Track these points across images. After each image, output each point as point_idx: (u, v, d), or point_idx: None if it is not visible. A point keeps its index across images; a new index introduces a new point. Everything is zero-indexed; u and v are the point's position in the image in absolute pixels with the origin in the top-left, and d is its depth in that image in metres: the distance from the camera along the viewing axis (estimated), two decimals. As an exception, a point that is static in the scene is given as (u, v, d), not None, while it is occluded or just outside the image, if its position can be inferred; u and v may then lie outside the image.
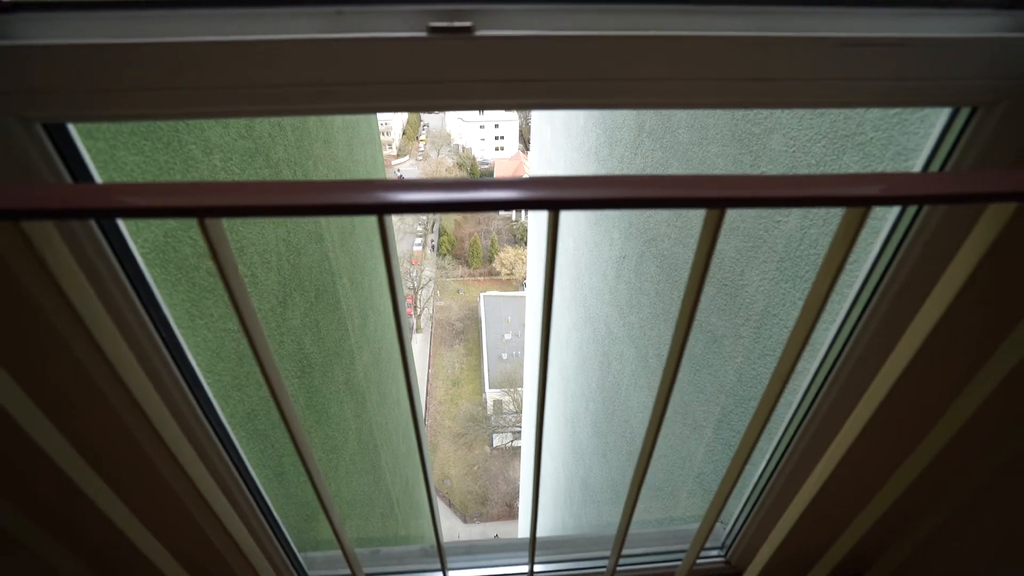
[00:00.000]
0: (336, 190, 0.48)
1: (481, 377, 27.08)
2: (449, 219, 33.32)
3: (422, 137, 35.38)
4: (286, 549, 1.21)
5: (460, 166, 33.64)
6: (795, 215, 1.09)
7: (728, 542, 1.31)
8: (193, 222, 0.56)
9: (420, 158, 34.08)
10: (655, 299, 1.95)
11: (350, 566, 1.01)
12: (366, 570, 1.29)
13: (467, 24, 0.53)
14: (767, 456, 1.15)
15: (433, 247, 32.36)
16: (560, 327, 3.80)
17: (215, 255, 0.50)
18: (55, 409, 0.68)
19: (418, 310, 28.95)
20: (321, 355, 1.76)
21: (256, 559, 1.07)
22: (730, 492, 0.91)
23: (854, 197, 0.47)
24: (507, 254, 31.53)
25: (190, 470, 0.85)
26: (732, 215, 1.36)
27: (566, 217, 3.49)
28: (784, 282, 1.15)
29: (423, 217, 31.98)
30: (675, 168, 1.67)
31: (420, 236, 32.08)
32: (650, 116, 1.85)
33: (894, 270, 0.76)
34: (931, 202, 0.56)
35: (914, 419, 0.86)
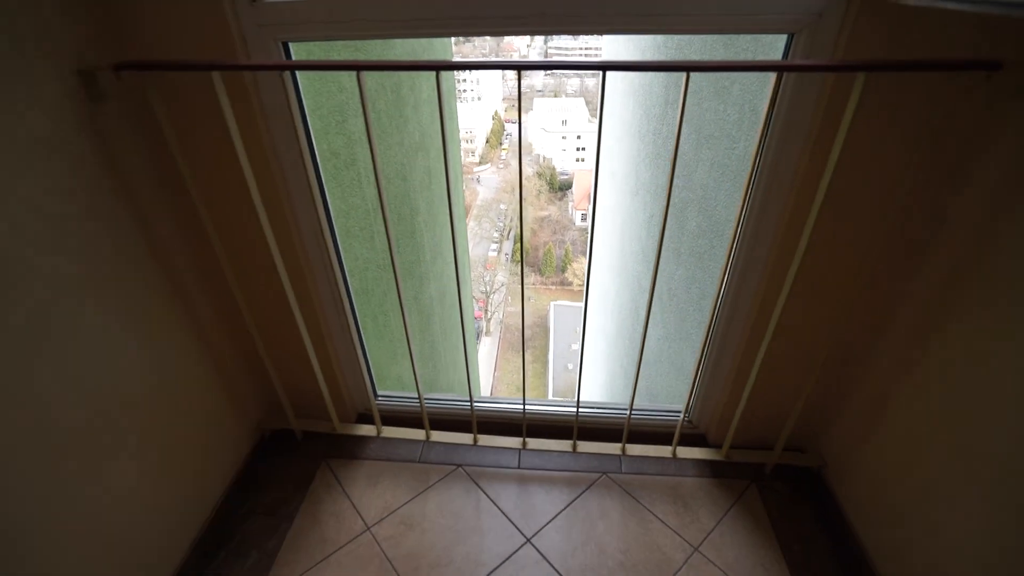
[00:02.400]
0: (414, 63, 0.98)
1: (545, 385, 27.25)
2: (525, 227, 34.08)
3: (504, 146, 36.46)
4: (369, 371, 1.74)
5: (539, 175, 34.32)
6: (742, 141, 1.47)
7: (691, 407, 1.68)
8: (334, 127, 1.08)
9: (501, 166, 35.18)
10: (667, 244, 2.33)
11: (416, 384, 1.52)
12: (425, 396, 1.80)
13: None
14: (703, 339, 1.52)
15: (507, 255, 33.25)
16: (608, 292, 4.18)
17: (362, 96, 1.02)
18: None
19: (488, 314, 29.82)
20: (397, 265, 2.32)
21: (355, 369, 1.60)
22: (638, 372, 1.31)
23: (671, 65, 0.90)
24: (580, 264, 31.63)
25: (334, 287, 1.40)
26: (714, 153, 1.74)
27: (618, 195, 3.88)
28: (736, 191, 1.52)
29: (499, 223, 33.04)
30: (685, 130, 2.06)
31: (496, 243, 33.10)
32: (673, 89, 2.24)
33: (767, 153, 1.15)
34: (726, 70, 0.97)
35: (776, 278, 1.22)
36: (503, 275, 32.02)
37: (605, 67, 0.91)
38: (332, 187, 1.63)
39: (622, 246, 3.68)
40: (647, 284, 2.84)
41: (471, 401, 1.62)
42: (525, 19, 1.04)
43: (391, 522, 1.49)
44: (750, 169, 1.16)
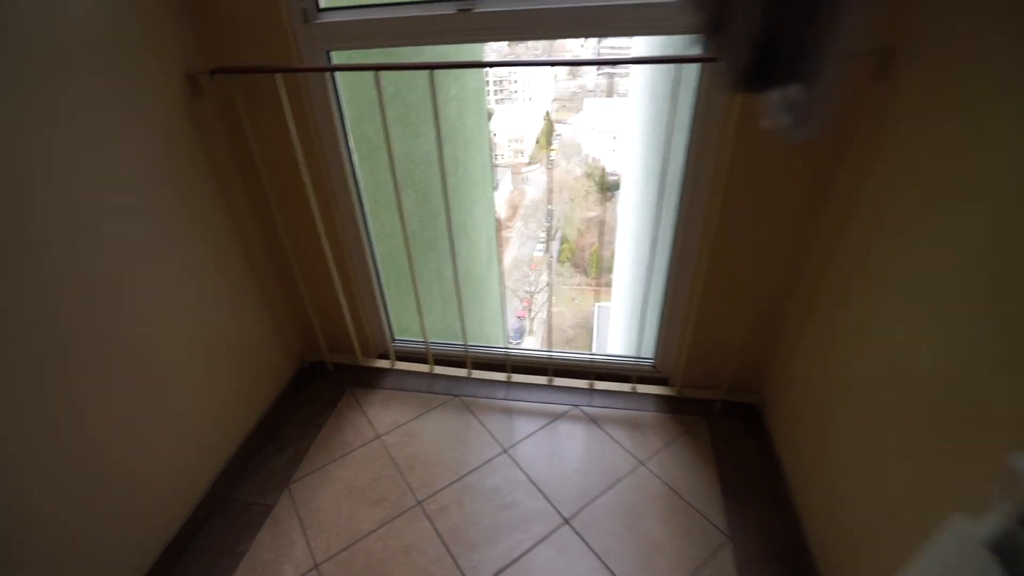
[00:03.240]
0: (412, 64, 1.33)
1: (586, 384, 27.17)
2: (572, 228, 34.16)
3: (554, 147, 36.65)
4: (387, 317, 2.13)
5: (588, 175, 34.30)
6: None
7: (656, 354, 1.95)
8: (367, 116, 1.46)
9: (550, 166, 35.41)
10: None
11: (422, 326, 1.88)
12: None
13: (470, 7, 1.37)
14: (662, 290, 1.80)
15: (554, 256, 33.42)
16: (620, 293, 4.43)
17: (379, 92, 1.39)
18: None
19: (532, 314, 30.12)
20: (422, 238, 2.70)
21: (377, 314, 1.98)
22: (595, 322, 1.60)
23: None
24: (625, 266, 31.23)
25: (362, 247, 1.78)
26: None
27: (637, 186, 4.11)
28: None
29: (546, 224, 33.37)
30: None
31: (542, 243, 33.40)
32: (672, 85, 2.50)
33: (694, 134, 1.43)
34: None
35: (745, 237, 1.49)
36: (548, 275, 32.23)
37: (554, 63, 1.24)
38: (364, 166, 2.01)
39: (636, 231, 3.93)
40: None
41: (465, 345, 1.97)
42: (491, 30, 1.38)
43: (397, 433, 1.87)
44: (667, 143, 1.45)
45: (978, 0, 0.89)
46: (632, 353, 1.99)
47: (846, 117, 1.25)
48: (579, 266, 33.19)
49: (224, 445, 1.71)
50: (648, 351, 1.99)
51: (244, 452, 1.77)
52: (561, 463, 1.72)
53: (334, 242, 1.82)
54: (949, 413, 0.87)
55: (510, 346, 1.97)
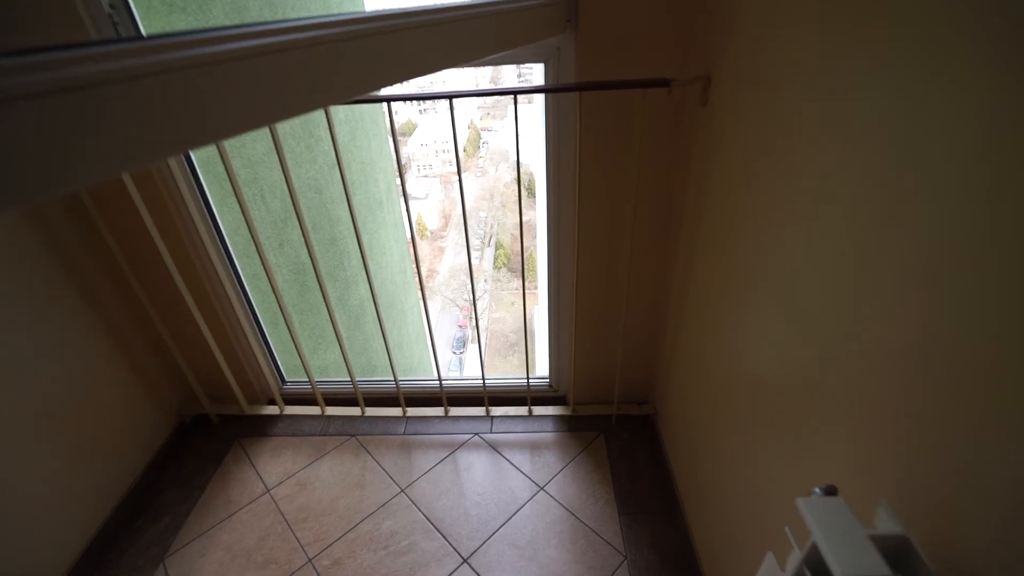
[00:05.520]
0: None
1: (532, 387, 27.34)
2: (505, 233, 34.36)
3: (481, 154, 36.78)
4: (274, 362, 2.00)
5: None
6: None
7: (550, 372, 1.95)
8: (233, 152, 1.35)
9: (479, 174, 35.55)
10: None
11: (305, 368, 1.78)
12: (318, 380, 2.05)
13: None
14: (549, 310, 1.80)
15: (490, 262, 33.46)
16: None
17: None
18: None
19: (473, 322, 29.92)
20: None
21: (258, 362, 1.85)
22: (480, 345, 1.57)
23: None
24: (561, 267, 31.73)
25: (227, 293, 1.65)
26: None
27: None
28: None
29: (480, 231, 33.39)
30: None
31: (477, 250, 33.31)
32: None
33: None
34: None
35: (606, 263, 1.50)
36: (485, 282, 32.21)
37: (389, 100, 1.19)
38: (231, 203, 1.88)
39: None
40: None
41: (352, 380, 1.88)
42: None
43: (288, 484, 1.75)
44: (546, 164, 1.45)
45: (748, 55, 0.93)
46: (540, 370, 1.98)
47: (682, 137, 1.29)
48: (515, 270, 33.44)
49: (86, 521, 1.53)
50: (546, 368, 1.99)
51: (111, 528, 1.59)
52: (461, 497, 1.67)
53: (197, 291, 1.68)
54: (791, 417, 0.90)
55: (402, 378, 1.90)
